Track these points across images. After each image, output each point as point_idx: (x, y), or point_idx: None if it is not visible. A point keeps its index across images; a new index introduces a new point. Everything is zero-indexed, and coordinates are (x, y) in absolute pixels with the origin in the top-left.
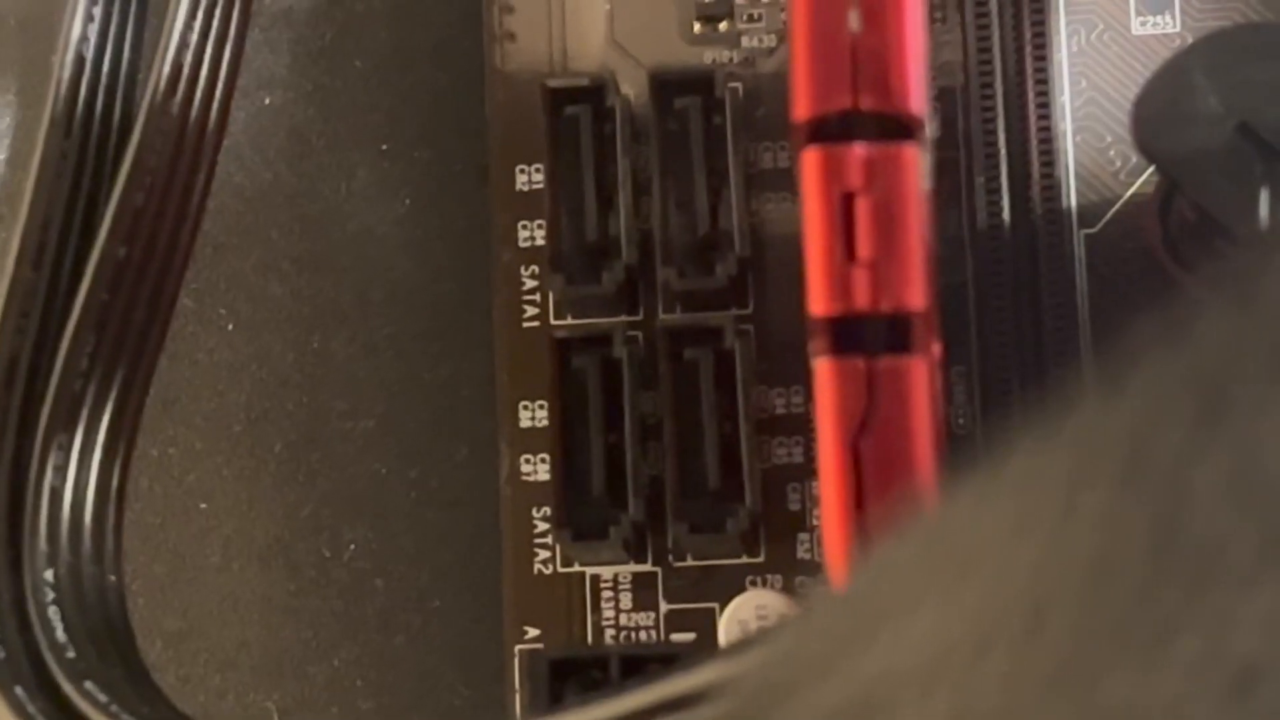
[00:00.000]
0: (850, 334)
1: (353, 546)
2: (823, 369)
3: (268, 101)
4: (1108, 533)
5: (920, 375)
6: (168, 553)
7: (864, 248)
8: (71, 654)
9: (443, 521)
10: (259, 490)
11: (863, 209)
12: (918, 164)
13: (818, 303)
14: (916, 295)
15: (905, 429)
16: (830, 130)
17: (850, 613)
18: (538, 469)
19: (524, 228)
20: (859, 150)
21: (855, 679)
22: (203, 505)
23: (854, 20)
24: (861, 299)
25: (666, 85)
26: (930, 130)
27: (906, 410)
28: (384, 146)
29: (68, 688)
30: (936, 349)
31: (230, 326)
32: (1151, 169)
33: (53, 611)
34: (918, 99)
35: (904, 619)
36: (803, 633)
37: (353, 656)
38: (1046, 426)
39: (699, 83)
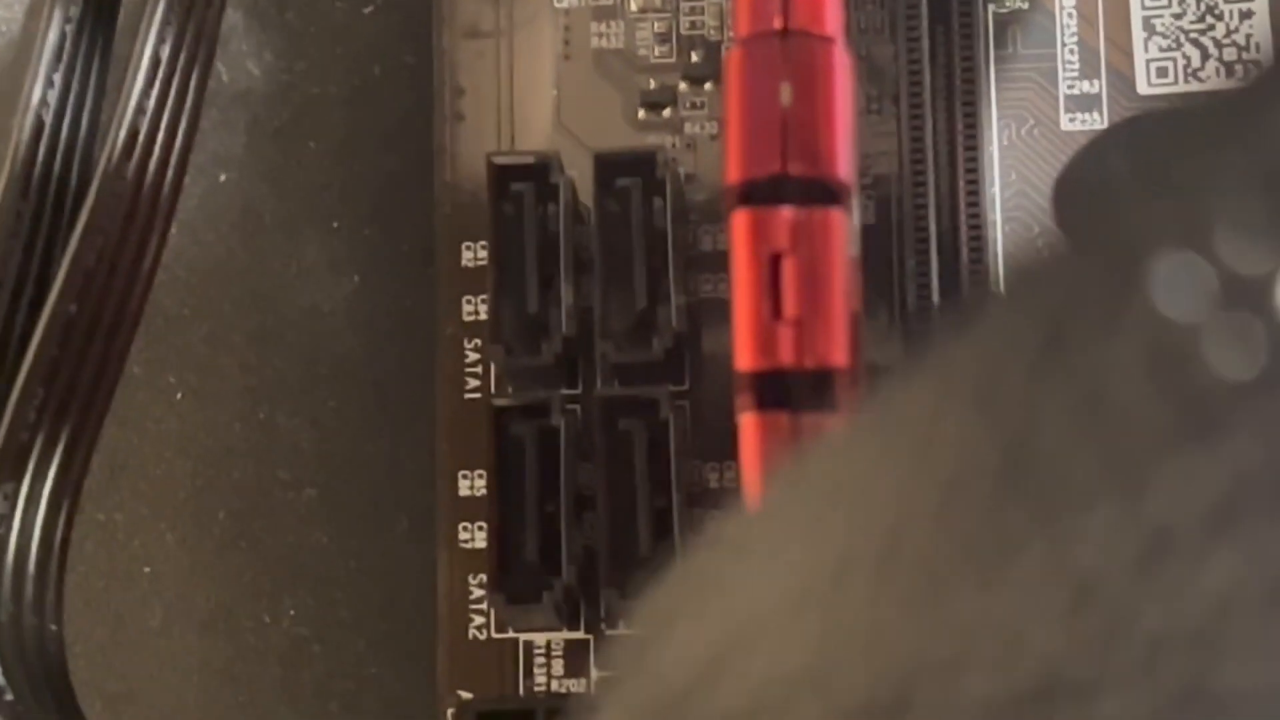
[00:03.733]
0: (775, 389)
1: (292, 613)
2: (748, 423)
3: (223, 179)
4: (961, 456)
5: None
6: (110, 616)
7: (790, 306)
8: (9, 696)
9: (381, 591)
10: (202, 557)
11: (789, 269)
12: (844, 228)
13: (744, 358)
14: (840, 353)
15: None
16: (760, 193)
17: (716, 559)
18: (475, 537)
19: (468, 302)
20: (786, 213)
21: (727, 616)
22: (146, 569)
23: (785, 94)
24: (786, 355)
25: (610, 165)
26: (862, 215)
27: None
28: (335, 225)
29: None
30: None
31: (179, 396)
32: None
33: None
34: (845, 166)
35: (769, 557)
36: (675, 580)
37: None
38: (909, 366)
39: (641, 164)
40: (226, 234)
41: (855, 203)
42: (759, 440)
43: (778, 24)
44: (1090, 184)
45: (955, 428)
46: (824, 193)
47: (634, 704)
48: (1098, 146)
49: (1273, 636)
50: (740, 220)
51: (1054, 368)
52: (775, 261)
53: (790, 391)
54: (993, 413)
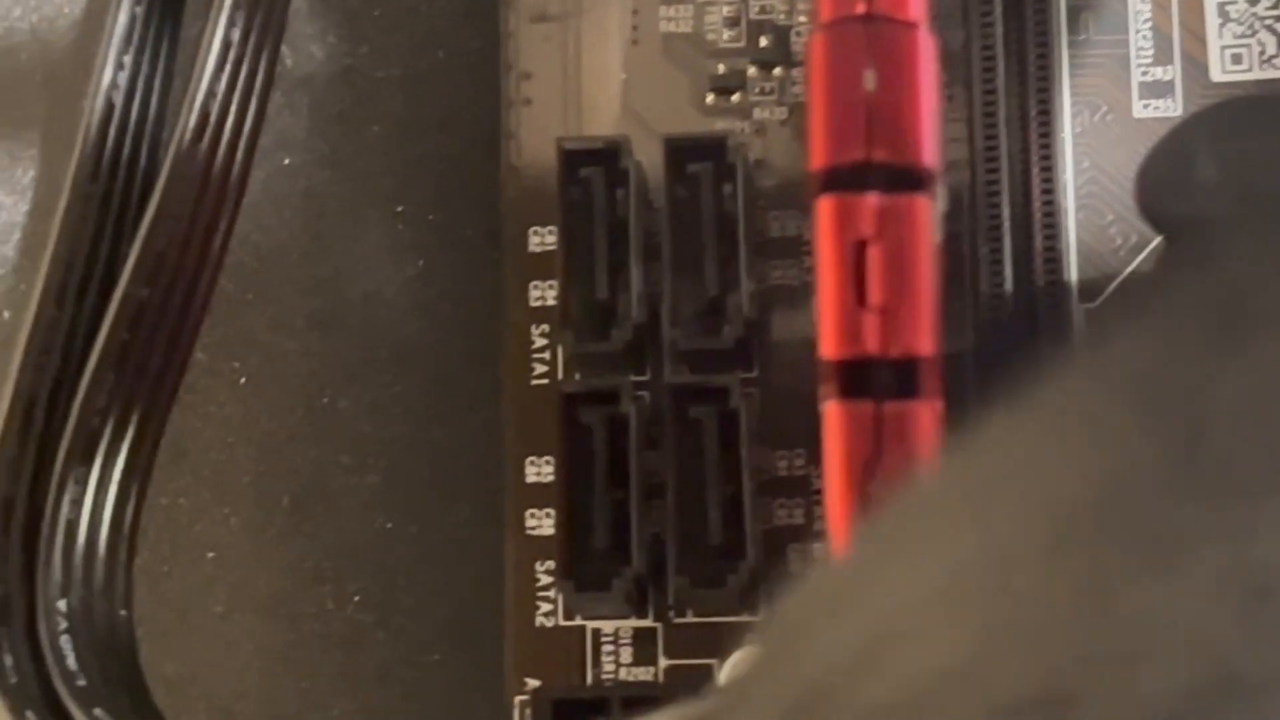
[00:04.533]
0: (859, 378)
1: (355, 599)
2: (831, 412)
3: (286, 162)
4: (1131, 450)
5: (927, 420)
6: (173, 600)
7: (874, 294)
8: (82, 682)
9: (444, 576)
10: (264, 542)
11: (874, 256)
12: (929, 214)
13: (828, 346)
14: (925, 341)
15: (913, 474)
16: (844, 180)
17: (871, 550)
18: (542, 523)
19: (535, 288)
20: (872, 199)
21: (876, 609)
22: (209, 554)
23: (869, 80)
24: (871, 343)
25: (680, 150)
26: (940, 200)
27: (913, 455)
28: (398, 209)
29: (77, 714)
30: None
31: (242, 381)
32: (1152, 245)
33: (64, 640)
34: (930, 152)
35: (928, 548)
36: (822, 575)
37: (351, 709)
38: (1069, 359)
39: (712, 149)
40: (289, 218)
41: (940, 189)
42: (842, 429)
43: (861, 9)
44: (1173, 173)
45: (1121, 422)
46: (909, 179)
47: (780, 695)
48: (1180, 135)
49: None
50: (825, 207)
51: (1229, 356)
52: (860, 249)
53: (875, 380)
54: (1164, 405)
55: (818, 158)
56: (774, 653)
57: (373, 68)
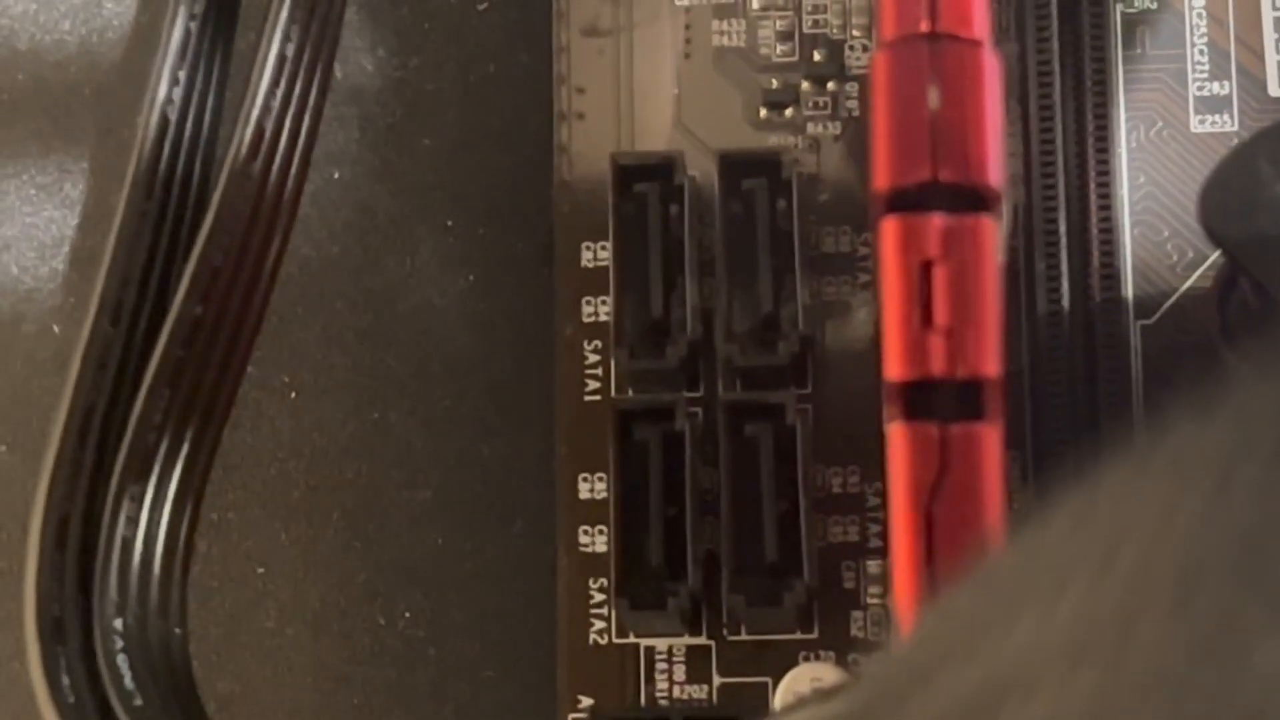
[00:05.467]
0: (924, 399)
1: (407, 615)
2: (896, 433)
3: (336, 176)
4: (1263, 503)
5: (993, 442)
6: (224, 616)
7: (940, 314)
8: (139, 701)
9: (496, 593)
10: (315, 557)
11: (940, 277)
12: (994, 235)
13: (894, 367)
14: (991, 362)
15: (977, 495)
16: (909, 200)
17: (991, 595)
18: (595, 540)
19: (588, 303)
20: (937, 220)
21: (997, 657)
22: (260, 570)
23: (934, 98)
24: (937, 364)
25: (734, 166)
26: (1005, 220)
27: (979, 476)
28: (449, 223)
29: None
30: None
31: (293, 395)
32: (1209, 262)
33: (121, 659)
34: (995, 172)
35: (1051, 596)
36: (930, 627)
37: None
38: (1198, 413)
39: (766, 165)
40: (340, 232)
41: (1004, 208)
42: (907, 450)
43: (925, 26)
44: (1239, 193)
45: (1254, 475)
46: (974, 199)
47: None
48: (1244, 154)
49: None
50: (890, 227)
51: None
52: (926, 269)
53: (940, 401)
54: None
55: (882, 178)
56: (888, 696)
57: (424, 81)
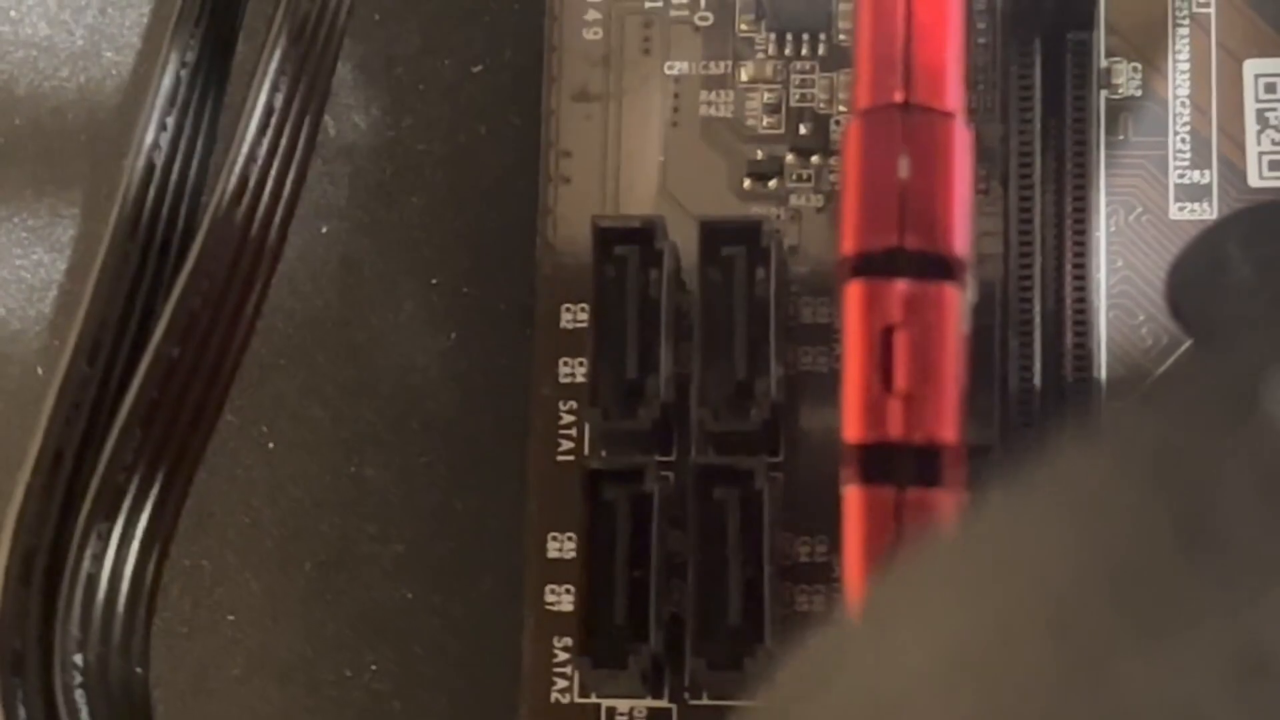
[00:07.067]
0: (882, 463)
1: (373, 667)
2: (852, 496)
3: (324, 230)
4: (1138, 528)
5: (949, 509)
6: (192, 662)
7: (900, 379)
8: None
9: (463, 649)
10: (286, 607)
11: (901, 342)
12: (958, 303)
13: (852, 429)
14: (949, 429)
15: None
16: (875, 265)
17: (876, 618)
18: (561, 599)
19: (565, 364)
20: (901, 286)
21: (879, 678)
22: (229, 617)
23: (904, 167)
24: (895, 428)
25: (715, 233)
26: (970, 291)
27: None
28: (433, 281)
29: None
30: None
31: (271, 445)
32: (1183, 348)
33: (79, 694)
34: (961, 241)
35: (934, 619)
36: (824, 642)
37: None
38: (1075, 437)
39: (746, 233)
40: (325, 286)
41: (970, 279)
42: (863, 514)
43: (899, 97)
44: (1205, 274)
45: (1130, 500)
46: (940, 267)
47: None
48: (1214, 236)
49: None
50: (854, 292)
51: (1238, 437)
52: (888, 334)
53: (897, 466)
54: (1172, 483)
55: (849, 243)
56: (771, 712)
57: (415, 140)
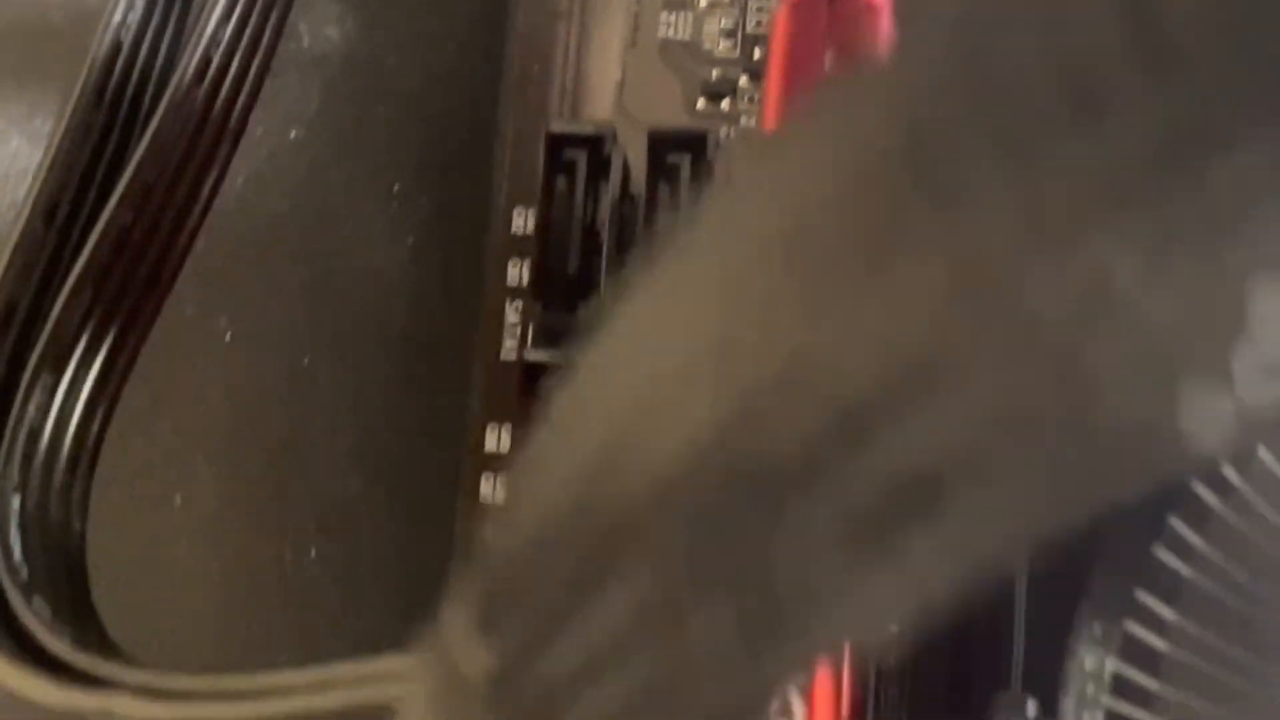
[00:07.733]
0: None
1: (313, 553)
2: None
3: (293, 136)
4: (868, 144)
5: None
6: (136, 539)
7: None
8: (24, 575)
9: (403, 539)
10: (233, 492)
11: None
12: None
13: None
14: None
15: None
16: None
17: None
18: (496, 490)
19: (514, 265)
20: None
21: (627, 386)
22: (177, 498)
23: (829, 58)
24: None
25: (663, 142)
26: None
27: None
28: (395, 188)
29: (16, 602)
30: None
31: (228, 338)
32: None
33: (14, 532)
34: None
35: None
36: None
37: (299, 660)
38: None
39: (694, 143)
40: (291, 189)
41: None
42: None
43: None
44: None
45: (866, 118)
46: None
47: (567, 472)
48: None
49: (1146, 310)
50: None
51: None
52: None
53: None
54: (898, 98)
55: (771, 124)
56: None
57: (386, 54)
